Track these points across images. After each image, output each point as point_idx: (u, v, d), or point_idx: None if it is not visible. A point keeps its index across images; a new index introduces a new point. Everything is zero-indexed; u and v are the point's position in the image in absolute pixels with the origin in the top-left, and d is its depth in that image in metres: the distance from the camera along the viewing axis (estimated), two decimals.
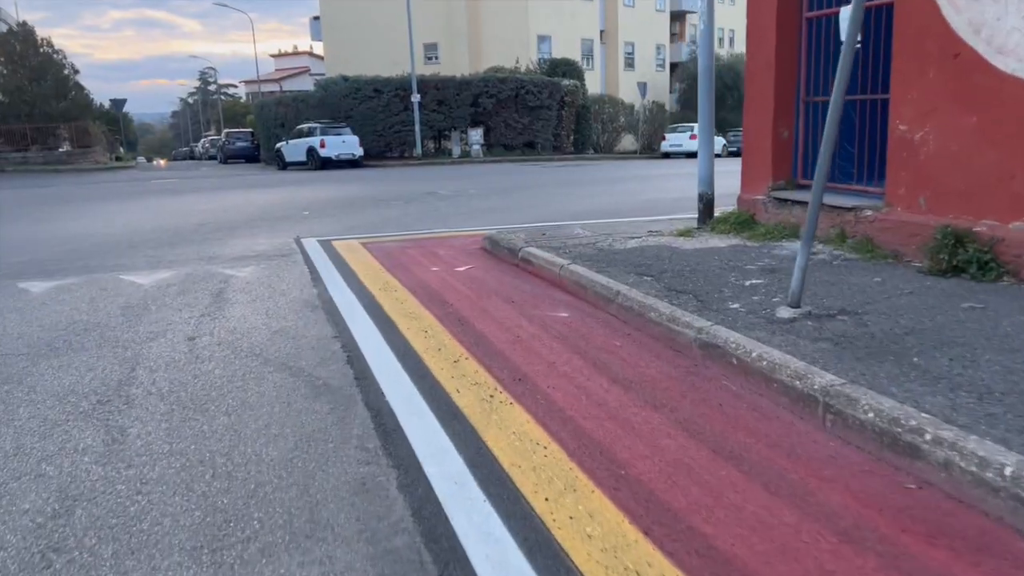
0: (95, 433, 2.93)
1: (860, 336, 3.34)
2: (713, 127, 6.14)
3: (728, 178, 14.64)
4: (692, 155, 31.40)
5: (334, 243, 7.60)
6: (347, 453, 2.69)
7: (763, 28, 5.65)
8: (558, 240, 6.26)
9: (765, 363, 3.08)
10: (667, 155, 32.02)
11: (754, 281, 4.38)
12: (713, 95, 6.14)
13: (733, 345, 3.31)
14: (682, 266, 4.94)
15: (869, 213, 4.86)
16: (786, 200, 5.60)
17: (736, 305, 3.90)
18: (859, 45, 5.11)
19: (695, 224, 6.63)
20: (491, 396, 3.21)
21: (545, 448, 2.70)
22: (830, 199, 5.24)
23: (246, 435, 2.87)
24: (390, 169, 24.97)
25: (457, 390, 3.29)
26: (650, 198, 11.27)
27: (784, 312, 3.68)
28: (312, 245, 7.49)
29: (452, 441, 2.77)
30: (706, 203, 6.26)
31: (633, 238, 6.17)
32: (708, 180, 6.22)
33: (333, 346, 4.00)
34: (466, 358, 3.73)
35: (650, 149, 36.14)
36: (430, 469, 2.54)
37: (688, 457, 2.59)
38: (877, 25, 4.99)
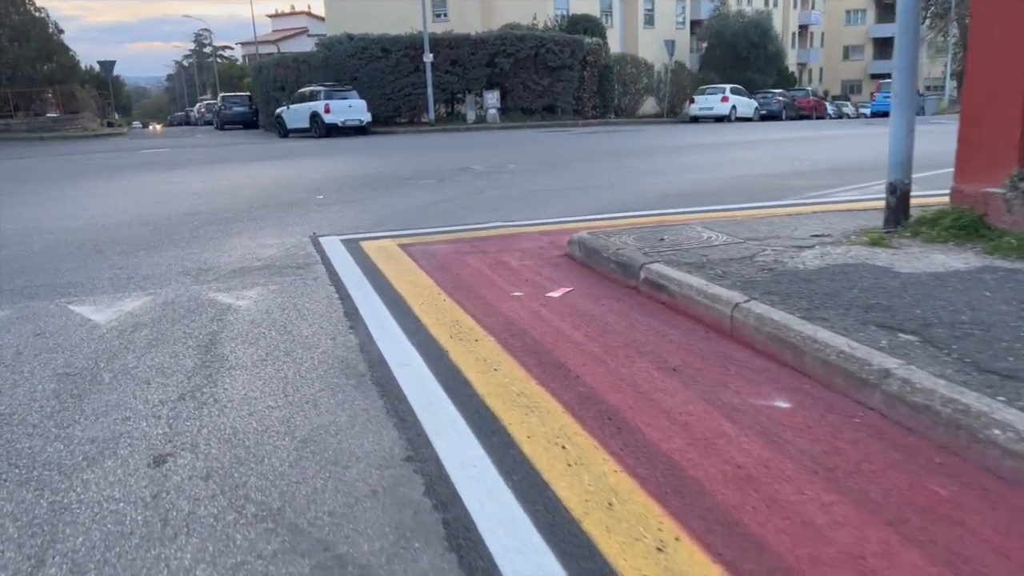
0: None
1: None
2: (915, 80, 4.29)
3: (777, 148, 12.71)
4: (722, 119, 29.37)
5: (363, 244, 5.78)
6: None
7: None
8: (691, 250, 4.43)
9: None
10: (695, 119, 29.98)
11: None
12: (917, 36, 4.26)
13: None
14: (947, 311, 3.12)
15: None
16: None
17: None
18: None
19: (872, 222, 4.80)
20: None
21: None
22: None
23: None
24: (402, 136, 23.01)
25: None
26: (734, 175, 9.39)
27: None
28: (335, 248, 5.67)
29: None
30: (900, 197, 4.42)
31: (802, 248, 4.34)
32: (905, 164, 4.38)
33: (411, 489, 2.22)
34: (677, 539, 1.95)
35: (673, 112, 34.05)
36: None
37: None
38: None
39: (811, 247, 4.31)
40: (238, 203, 8.22)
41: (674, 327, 3.57)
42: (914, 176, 8.73)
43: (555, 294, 4.23)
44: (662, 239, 4.69)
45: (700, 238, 4.72)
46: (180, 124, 60.18)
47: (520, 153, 14.21)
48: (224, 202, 8.33)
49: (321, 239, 6.05)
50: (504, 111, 27.59)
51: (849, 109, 48.57)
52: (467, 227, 6.41)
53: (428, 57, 25.57)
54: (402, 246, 5.69)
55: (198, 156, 17.04)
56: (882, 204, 6.40)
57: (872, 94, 36.99)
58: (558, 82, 28.10)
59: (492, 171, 10.50)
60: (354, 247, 5.70)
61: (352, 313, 3.99)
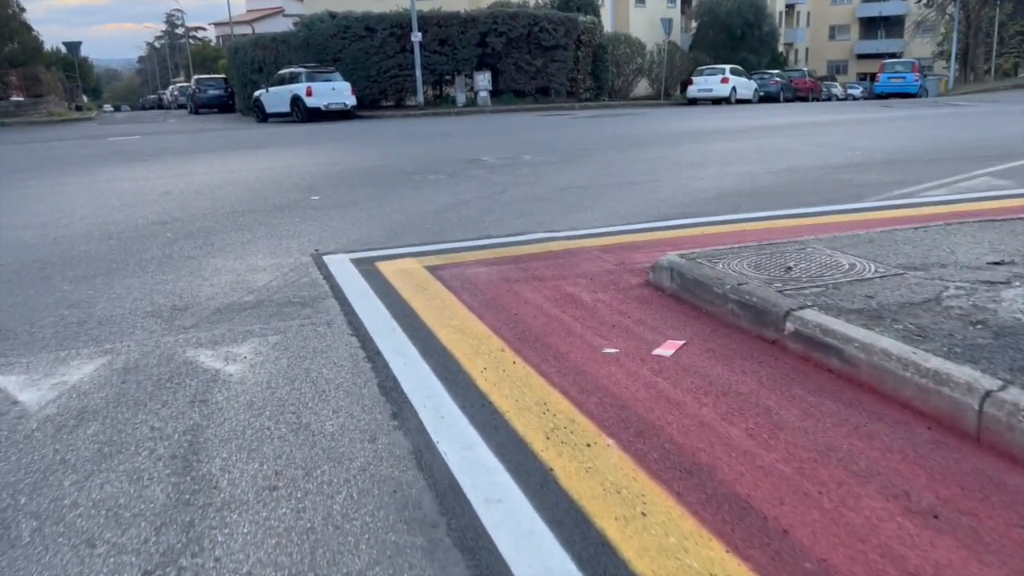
0: None
1: None
2: None
3: (811, 135, 11.61)
4: (721, 101, 28.24)
5: (380, 266, 4.60)
6: None
7: None
8: (841, 286, 3.31)
9: None
10: (693, 101, 28.86)
11: None
12: None
13: None
14: None
15: None
16: None
17: None
18: None
19: None
20: None
21: None
22: None
23: None
24: (390, 121, 21.69)
25: None
26: (786, 167, 8.27)
27: None
28: (346, 272, 4.49)
29: None
30: None
31: (994, 283, 3.24)
32: None
33: None
34: None
35: (667, 95, 32.88)
36: None
37: None
38: None
39: (1006, 282, 3.19)
40: (219, 207, 6.99)
41: (872, 417, 2.44)
42: (1001, 167, 7.67)
43: (665, 351, 3.09)
44: (789, 267, 3.55)
45: (838, 265, 3.59)
46: (152, 108, 58.24)
47: (529, 141, 13.01)
48: (202, 206, 7.08)
49: (326, 258, 4.86)
50: (495, 93, 26.30)
51: (838, 90, 47.63)
52: (503, 240, 5.25)
53: (416, 36, 24.17)
54: (430, 269, 4.52)
55: (171, 144, 15.67)
56: (1007, 205, 5.33)
57: (875, 74, 35.91)
58: (552, 62, 26.79)
59: (506, 163, 9.31)
60: (370, 270, 4.52)
61: (391, 388, 2.82)
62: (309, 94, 22.39)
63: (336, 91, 22.66)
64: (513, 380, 2.86)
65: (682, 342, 3.17)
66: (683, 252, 4.00)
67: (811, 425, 2.42)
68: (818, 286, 3.29)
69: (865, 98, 43.52)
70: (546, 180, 7.90)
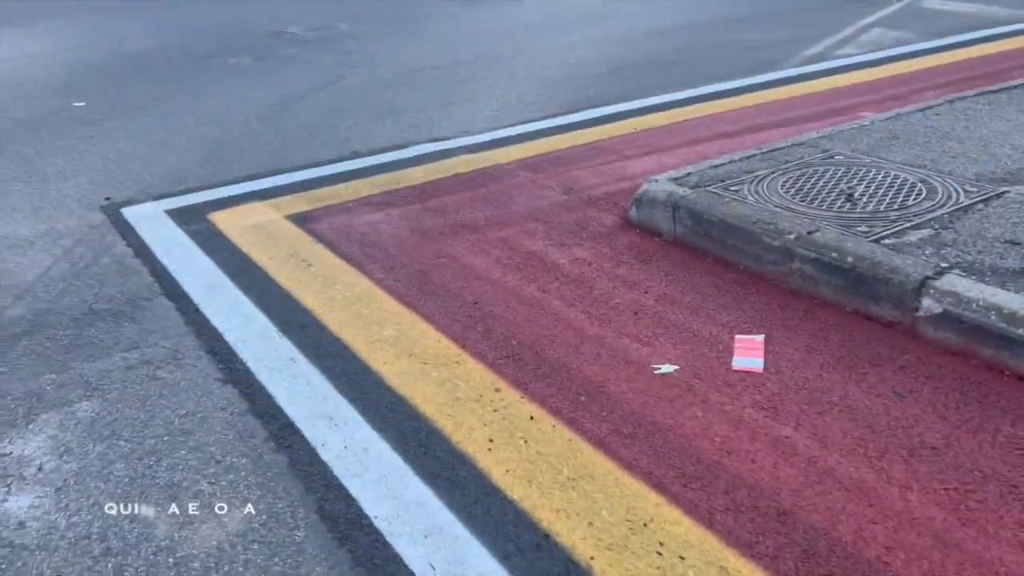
0: None
1: None
2: None
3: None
4: None
5: (220, 223, 3.11)
6: None
7: None
8: (947, 221, 2.35)
9: None
10: None
11: None
12: None
13: None
14: None
15: None
16: None
17: None
18: None
19: None
20: None
21: None
22: None
23: None
24: None
25: None
26: (653, 28, 7.12)
27: None
28: (171, 241, 2.96)
29: None
30: None
31: None
32: None
33: None
34: None
35: None
36: None
37: None
38: None
39: None
40: None
41: None
42: (877, 15, 7.04)
43: (749, 362, 2.02)
44: (850, 196, 2.53)
45: (905, 184, 2.64)
46: None
47: (329, 2, 10.84)
48: None
49: (127, 212, 3.25)
50: None
51: None
52: (379, 158, 3.82)
53: None
54: (298, 221, 3.08)
55: None
56: (948, 62, 4.68)
57: None
58: None
59: (323, 36, 7.45)
60: (206, 232, 3.01)
61: (349, 524, 1.60)
62: None
63: None
64: (553, 464, 1.67)
65: (761, 339, 2.10)
66: (675, 175, 2.87)
67: None
68: (916, 225, 2.31)
69: None
70: (386, 58, 6.30)
